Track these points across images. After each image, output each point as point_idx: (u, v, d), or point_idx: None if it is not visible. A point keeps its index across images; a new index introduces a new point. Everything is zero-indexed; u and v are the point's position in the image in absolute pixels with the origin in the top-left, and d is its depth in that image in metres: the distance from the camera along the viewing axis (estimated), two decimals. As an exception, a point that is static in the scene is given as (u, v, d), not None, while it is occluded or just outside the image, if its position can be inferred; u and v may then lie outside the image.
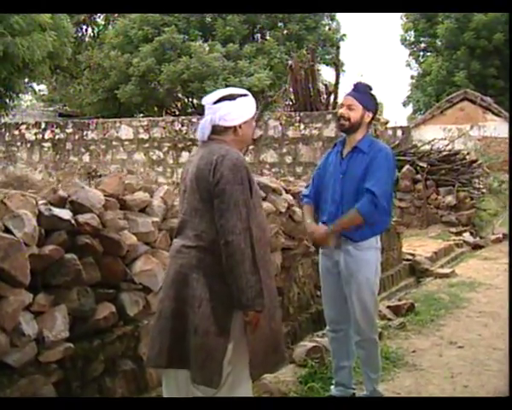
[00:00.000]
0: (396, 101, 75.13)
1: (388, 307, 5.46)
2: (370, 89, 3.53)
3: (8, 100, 17.21)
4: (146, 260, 3.68)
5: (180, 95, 21.11)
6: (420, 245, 8.96)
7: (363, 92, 3.47)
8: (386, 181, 3.37)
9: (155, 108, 20.63)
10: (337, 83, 10.65)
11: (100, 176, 6.28)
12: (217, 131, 2.83)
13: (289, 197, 5.04)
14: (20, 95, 17.43)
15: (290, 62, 10.79)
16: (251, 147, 10.49)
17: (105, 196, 3.68)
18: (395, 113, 63.99)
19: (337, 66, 11.28)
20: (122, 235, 3.58)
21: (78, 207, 3.42)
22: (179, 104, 21.72)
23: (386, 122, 22.42)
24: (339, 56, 13.52)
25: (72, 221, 3.27)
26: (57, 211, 3.25)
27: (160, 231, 3.87)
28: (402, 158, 11.20)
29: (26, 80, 18.32)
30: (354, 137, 3.46)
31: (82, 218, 3.36)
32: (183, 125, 11.16)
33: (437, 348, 4.68)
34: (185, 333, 2.72)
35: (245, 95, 2.91)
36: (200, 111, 17.70)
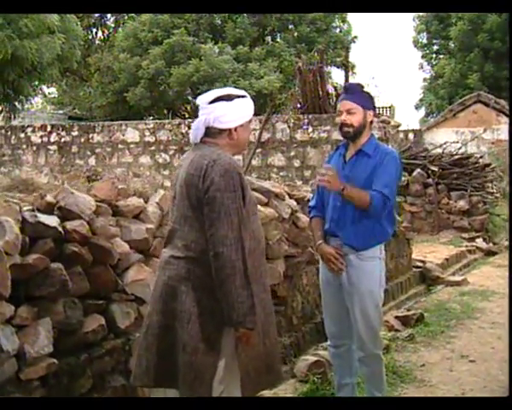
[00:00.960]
0: (408, 104, 74.59)
1: (396, 317, 5.24)
2: (363, 87, 3.34)
3: (16, 103, 17.25)
4: (139, 269, 3.51)
5: (190, 97, 21.04)
6: (431, 251, 8.72)
7: (357, 92, 3.27)
8: (393, 184, 3.19)
9: (165, 111, 20.51)
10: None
11: (100, 179, 6.14)
12: (210, 133, 2.65)
13: (293, 203, 4.84)
14: (29, 98, 17.44)
15: (298, 64, 10.60)
16: (258, 150, 10.29)
17: (96, 201, 3.52)
18: (407, 116, 63.51)
19: (346, 67, 11.08)
20: (113, 243, 3.42)
21: (66, 214, 3.26)
22: (189, 107, 21.62)
23: (398, 125, 22.15)
24: (348, 58, 13.26)
25: (60, 228, 3.10)
26: (43, 218, 3.09)
27: (154, 238, 3.70)
28: (413, 162, 10.96)
29: (36, 83, 18.36)
30: (359, 140, 3.27)
31: (70, 225, 3.19)
32: (189, 128, 10.91)
33: (447, 361, 4.45)
34: (173, 350, 2.54)
35: (243, 96, 2.73)
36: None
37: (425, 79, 29.16)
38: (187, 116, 20.10)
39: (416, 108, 29.60)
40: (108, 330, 3.27)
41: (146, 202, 3.86)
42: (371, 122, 3.31)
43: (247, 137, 2.77)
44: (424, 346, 4.77)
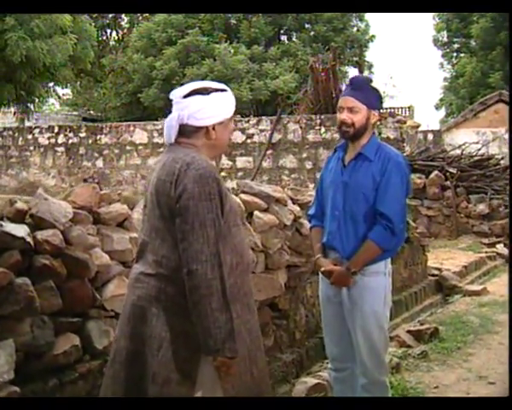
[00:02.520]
0: (428, 104, 73.58)
1: (408, 331, 4.86)
2: (370, 81, 2.99)
3: (29, 104, 17.14)
4: (119, 282, 3.20)
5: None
6: (448, 258, 8.30)
7: (363, 88, 2.91)
8: (399, 198, 2.85)
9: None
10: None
11: (98, 183, 5.87)
12: (185, 132, 2.32)
13: (296, 208, 4.51)
14: (42, 99, 17.33)
15: (311, 62, 10.25)
16: (269, 151, 9.96)
17: (75, 208, 3.23)
18: (427, 116, 62.64)
19: (360, 65, 10.68)
20: (91, 254, 3.12)
21: (39, 222, 2.97)
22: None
23: (417, 126, 21.65)
24: (362, 56, 12.86)
25: (28, 239, 2.80)
26: (10, 227, 2.79)
27: (139, 248, 3.38)
28: (430, 163, 10.55)
29: (51, 84, 18.25)
30: (358, 142, 2.92)
31: (41, 235, 2.90)
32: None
33: (464, 383, 4.06)
34: (142, 381, 2.22)
35: (222, 90, 2.40)
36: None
37: (445, 79, 28.57)
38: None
39: (436, 108, 29.01)
40: (84, 350, 2.97)
41: (132, 208, 3.55)
42: (375, 123, 2.97)
43: (227, 136, 2.43)
44: (438, 365, 4.38)
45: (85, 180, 6.97)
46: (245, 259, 2.38)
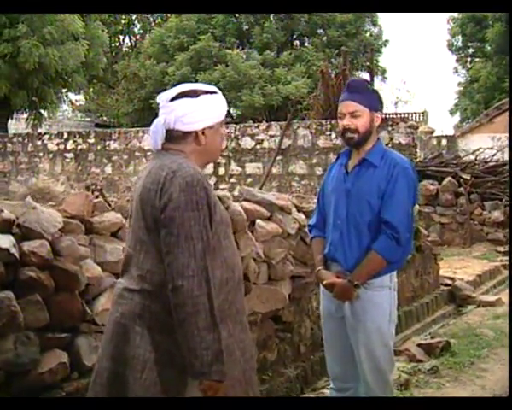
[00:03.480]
0: (442, 109, 72.89)
1: (419, 345, 4.67)
2: (369, 84, 2.83)
3: (42, 110, 17.18)
4: (111, 295, 3.04)
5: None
6: (461, 267, 8.06)
7: (362, 91, 2.75)
8: (406, 206, 2.68)
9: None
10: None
11: (100, 190, 5.73)
12: (173, 137, 2.17)
13: (301, 216, 4.34)
14: (55, 105, 17.36)
15: (321, 67, 10.10)
16: (279, 157, 9.80)
17: (66, 217, 3.10)
18: (441, 122, 62.07)
19: (371, 70, 10.51)
20: (82, 265, 2.98)
21: (26, 233, 2.84)
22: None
23: (432, 131, 21.39)
24: (373, 60, 12.65)
25: (13, 250, 2.67)
26: (-5, 238, 2.67)
27: (134, 259, 3.24)
28: (443, 169, 10.31)
29: (64, 91, 18.30)
30: (363, 148, 2.76)
31: (28, 246, 2.76)
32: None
33: (476, 401, 3.86)
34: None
35: (212, 92, 2.24)
36: (238, 121, 17.23)
37: (460, 84, 28.25)
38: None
39: (451, 113, 28.69)
40: (72, 368, 2.82)
41: (126, 217, 3.41)
42: (379, 126, 2.80)
43: (219, 141, 2.27)
44: (450, 381, 4.17)
45: (88, 187, 6.84)
46: (236, 273, 2.23)
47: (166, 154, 2.17)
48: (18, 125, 18.97)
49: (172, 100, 2.18)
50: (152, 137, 2.21)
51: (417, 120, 23.08)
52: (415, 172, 2.80)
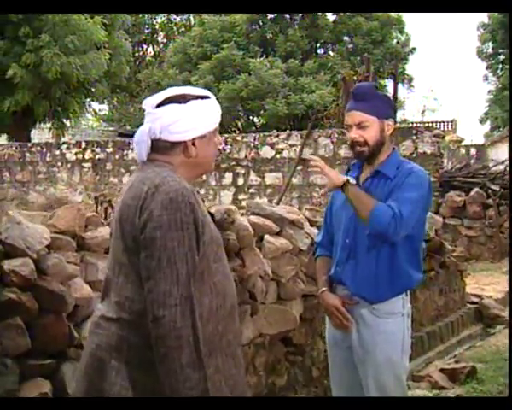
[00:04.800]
0: (472, 118, 71.76)
1: (442, 370, 4.34)
2: (376, 88, 2.56)
3: (65, 119, 17.22)
4: (102, 318, 2.82)
5: (241, 113, 20.61)
6: (490, 283, 7.67)
7: (369, 97, 2.47)
8: (413, 209, 2.37)
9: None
10: (395, 96, 9.53)
11: (109, 201, 5.55)
12: (159, 148, 1.93)
13: (314, 231, 4.07)
14: (78, 114, 17.40)
15: (343, 74, 9.83)
16: (299, 167, 9.53)
17: (55, 232, 2.89)
18: (471, 130, 60.92)
19: (395, 76, 10.19)
20: (70, 285, 2.77)
21: (9, 250, 2.63)
22: (239, 123, 21.19)
23: (461, 140, 20.91)
24: (397, 67, 12.32)
25: (-9, 270, 2.46)
26: (-30, 256, 2.47)
27: (129, 277, 3.01)
28: (470, 180, 9.92)
29: (87, 100, 18.34)
30: (377, 159, 2.49)
31: (8, 264, 2.55)
32: (226, 144, 10.35)
33: (503, 435, 3.53)
34: (97, 450, 1.83)
35: (203, 97, 1.99)
36: (262, 130, 17.04)
37: (490, 92, 27.65)
38: (238, 132, 19.65)
39: (481, 121, 28.08)
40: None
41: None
42: (392, 133, 2.53)
43: (211, 153, 2.02)
44: (475, 411, 3.84)
45: (96, 198, 6.69)
46: (229, 301, 1.97)
47: (151, 166, 1.93)
48: (41, 134, 19.06)
49: (158, 106, 1.94)
50: (136, 148, 1.98)
51: (446, 128, 22.63)
52: (431, 185, 2.50)
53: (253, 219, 3.70)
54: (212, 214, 2.08)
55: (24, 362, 2.51)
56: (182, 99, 1.94)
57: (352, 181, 2.43)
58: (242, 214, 3.78)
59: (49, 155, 12.24)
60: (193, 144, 1.93)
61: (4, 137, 17.68)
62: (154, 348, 1.76)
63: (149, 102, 1.98)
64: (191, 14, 22.61)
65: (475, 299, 6.43)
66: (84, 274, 2.92)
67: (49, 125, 17.42)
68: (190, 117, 1.92)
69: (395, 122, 2.53)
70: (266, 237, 3.69)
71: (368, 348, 2.41)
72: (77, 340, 2.72)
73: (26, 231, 2.70)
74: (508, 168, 10.71)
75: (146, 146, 1.93)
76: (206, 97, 2.00)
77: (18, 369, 2.47)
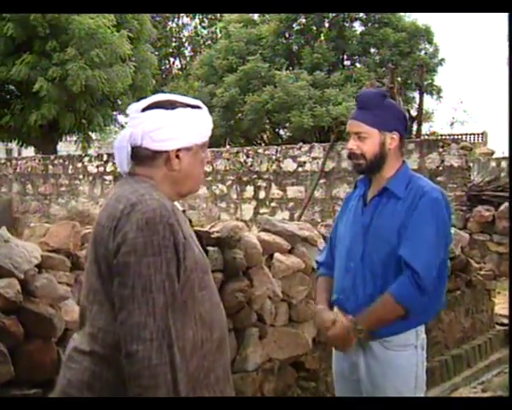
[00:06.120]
0: (503, 130, 70.35)
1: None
2: (384, 96, 2.32)
3: (91, 132, 17.29)
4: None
5: (267, 126, 20.49)
6: (521, 302, 7.31)
7: (372, 106, 2.24)
8: (432, 245, 2.13)
9: (242, 140, 20.00)
10: (420, 107, 9.26)
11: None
12: (140, 157, 1.74)
13: (329, 249, 3.84)
14: (103, 127, 17.47)
15: (366, 84, 9.58)
16: (322, 181, 9.29)
17: (48, 251, 2.74)
18: (502, 143, 59.62)
19: (420, 87, 9.87)
20: (61, 307, 2.61)
21: (-5, 270, 2.47)
22: (265, 135, 21.05)
23: (491, 153, 20.38)
24: (423, 78, 12.01)
25: (-27, 292, 2.31)
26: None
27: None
28: (500, 194, 9.56)
29: (114, 113, 18.42)
30: (382, 175, 2.27)
31: (-8, 286, 2.40)
32: (248, 157, 10.17)
33: None
34: None
35: (194, 106, 1.81)
36: (288, 142, 16.86)
37: (522, 103, 26.96)
38: (264, 145, 19.51)
39: (512, 134, 27.38)
40: (40, 430, 2.41)
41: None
42: (401, 147, 2.30)
43: (198, 168, 1.82)
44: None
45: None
46: (217, 333, 1.77)
47: (130, 181, 1.75)
48: (68, 147, 19.19)
49: (144, 110, 1.76)
50: (116, 156, 1.79)
51: (476, 141, 22.12)
52: (449, 205, 2.26)
53: (263, 236, 3.51)
54: (199, 236, 1.87)
55: (6, 392, 2.35)
56: (169, 105, 1.76)
57: (359, 327, 2.17)
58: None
59: (71, 167, 12.24)
60: (177, 156, 1.75)
61: (31, 149, 17.83)
62: (128, 387, 1.57)
63: (134, 107, 1.80)
64: (218, 27, 22.60)
65: (505, 320, 6.08)
66: (77, 295, 2.74)
67: (75, 138, 17.52)
68: (176, 125, 1.74)
69: (402, 135, 2.28)
70: (276, 255, 3.49)
71: (377, 383, 2.18)
72: (66, 366, 2.55)
73: (14, 250, 2.55)
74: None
75: (126, 154, 1.75)
76: (198, 107, 1.82)
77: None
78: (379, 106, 2.23)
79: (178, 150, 1.74)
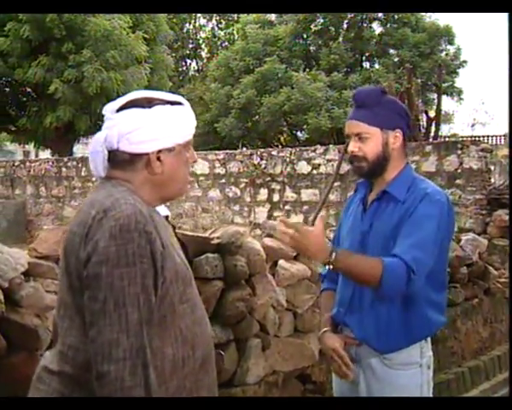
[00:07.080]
0: (527, 132, 69.05)
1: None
2: (383, 93, 2.13)
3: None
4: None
5: (284, 128, 20.33)
6: (543, 311, 7.05)
7: (371, 104, 2.05)
8: (429, 247, 1.94)
9: (259, 142, 19.86)
10: (439, 109, 9.03)
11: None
12: (118, 161, 1.59)
13: (338, 256, 3.66)
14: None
15: (384, 85, 9.37)
16: (336, 184, 9.09)
17: (36, 257, 2.60)
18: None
19: (439, 88, 9.63)
20: (48, 317, 2.46)
21: (-23, 279, 2.34)
22: (282, 137, 20.89)
23: (512, 155, 19.96)
24: (441, 78, 11.75)
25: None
26: None
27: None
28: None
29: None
30: (383, 177, 2.09)
31: (-28, 295, 2.27)
32: (261, 159, 9.99)
33: None
34: None
35: (173, 102, 1.65)
36: (305, 144, 16.67)
37: (545, 105, 26.44)
38: (281, 146, 19.34)
39: (535, 136, 26.88)
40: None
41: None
42: (404, 146, 2.12)
43: (182, 171, 1.66)
44: None
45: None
46: (199, 351, 1.61)
47: (107, 185, 1.60)
48: (85, 149, 19.20)
49: (119, 110, 1.61)
50: (91, 161, 1.64)
51: (497, 143, 21.69)
52: (452, 209, 2.05)
53: (267, 241, 3.34)
54: (183, 245, 1.71)
55: (-13, 408, 2.21)
56: (146, 103, 1.61)
57: (338, 250, 1.97)
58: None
59: (84, 169, 12.18)
60: (158, 159, 1.59)
61: (48, 152, 17.87)
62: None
63: (110, 107, 1.65)
64: (235, 29, 22.48)
65: (525, 329, 5.85)
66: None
67: (90, 140, 17.51)
68: (154, 125, 1.58)
69: (404, 133, 2.10)
70: (281, 262, 3.32)
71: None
72: (53, 380, 2.41)
73: (0, 257, 2.41)
74: None
75: (102, 158, 1.60)
76: (178, 103, 1.66)
77: (-22, 416, 2.17)
78: (378, 103, 2.05)
79: (159, 152, 1.59)
